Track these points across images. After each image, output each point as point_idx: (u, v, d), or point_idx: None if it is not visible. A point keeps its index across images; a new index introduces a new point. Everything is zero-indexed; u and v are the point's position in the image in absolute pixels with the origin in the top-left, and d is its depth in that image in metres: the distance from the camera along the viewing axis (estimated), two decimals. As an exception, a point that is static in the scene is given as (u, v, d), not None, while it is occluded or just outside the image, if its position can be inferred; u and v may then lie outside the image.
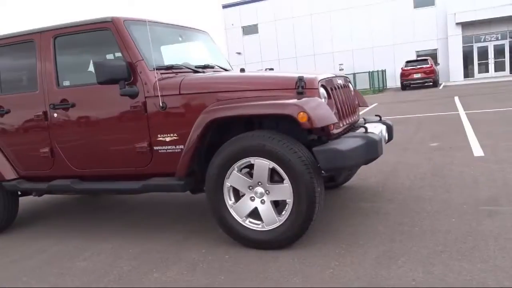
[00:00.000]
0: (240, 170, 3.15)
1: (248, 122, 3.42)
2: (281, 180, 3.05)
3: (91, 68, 3.82)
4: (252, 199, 3.15)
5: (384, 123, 3.97)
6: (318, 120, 2.88)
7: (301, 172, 2.91)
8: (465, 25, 28.45)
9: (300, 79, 3.10)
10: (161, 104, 3.38)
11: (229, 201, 3.21)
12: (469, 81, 26.94)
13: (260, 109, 3.00)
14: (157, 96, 3.38)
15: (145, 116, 3.46)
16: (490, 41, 29.12)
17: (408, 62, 24.75)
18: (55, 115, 3.78)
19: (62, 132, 3.80)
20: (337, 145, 2.94)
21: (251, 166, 3.13)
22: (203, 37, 4.70)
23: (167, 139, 3.43)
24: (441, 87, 23.94)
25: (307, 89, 3.12)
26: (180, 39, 4.29)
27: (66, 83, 3.84)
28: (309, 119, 2.84)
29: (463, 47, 29.01)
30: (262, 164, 3.04)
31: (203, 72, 3.92)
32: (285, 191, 3.02)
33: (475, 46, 29.45)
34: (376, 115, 4.09)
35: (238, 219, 3.19)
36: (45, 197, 5.39)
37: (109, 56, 3.91)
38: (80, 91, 3.71)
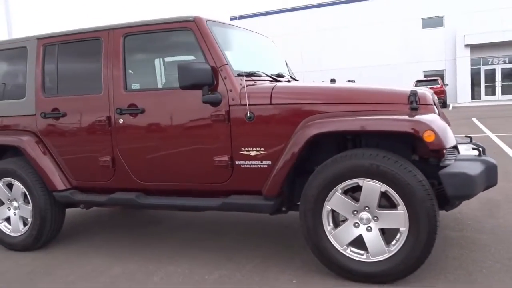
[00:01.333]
0: (343, 192, 2.80)
1: (341, 139, 3.08)
2: (391, 206, 2.71)
3: (165, 70, 3.48)
4: (356, 225, 2.80)
5: (476, 145, 3.64)
6: (445, 140, 2.56)
7: (422, 197, 2.57)
8: (473, 47, 28.50)
9: (414, 93, 2.78)
10: (248, 114, 3.04)
11: (328, 226, 2.85)
12: (477, 103, 26.88)
13: (379, 125, 2.67)
14: (244, 105, 3.05)
15: (228, 127, 3.11)
16: (497, 64, 29.19)
17: (418, 81, 24.64)
18: (121, 121, 3.42)
19: (127, 140, 3.44)
20: (466, 170, 2.60)
21: (355, 189, 2.79)
22: (268, 44, 4.39)
23: (252, 153, 3.08)
24: (450, 107, 23.81)
25: (422, 104, 2.80)
26: (253, 44, 3.97)
27: (136, 86, 3.49)
28: (436, 138, 2.51)
29: (471, 69, 29.02)
30: (373, 187, 2.70)
31: (280, 81, 3.60)
32: (398, 218, 2.67)
33: (483, 69, 29.49)
34: (466, 136, 3.77)
35: (337, 247, 2.83)
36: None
37: (181, 59, 3.57)
38: (152, 95, 3.36)
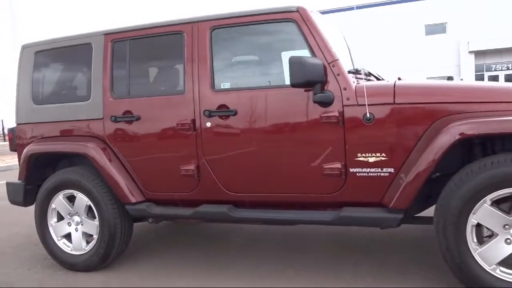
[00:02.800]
0: (493, 204, 2.43)
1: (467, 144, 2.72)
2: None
3: (259, 67, 3.10)
4: (508, 241, 2.42)
5: None
6: None
7: None
8: (477, 54, 28.48)
9: None
10: (367, 115, 2.67)
11: (472, 243, 2.47)
12: (483, 109, 26.77)
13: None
14: (362, 105, 2.68)
15: (341, 130, 2.74)
16: (501, 70, 29.17)
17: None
18: (208, 124, 3.03)
19: (216, 146, 3.05)
20: None
21: (505, 199, 2.42)
22: (343, 37, 4.03)
23: (371, 159, 2.70)
24: (457, 114, 23.63)
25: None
26: (337, 38, 3.60)
27: (225, 85, 3.11)
28: None
29: (475, 75, 28.97)
30: (532, 198, 2.33)
31: (380, 79, 3.25)
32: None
33: (486, 75, 29.44)
34: None
35: (485, 267, 2.45)
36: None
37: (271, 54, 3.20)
38: (245, 96, 2.97)
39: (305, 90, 2.77)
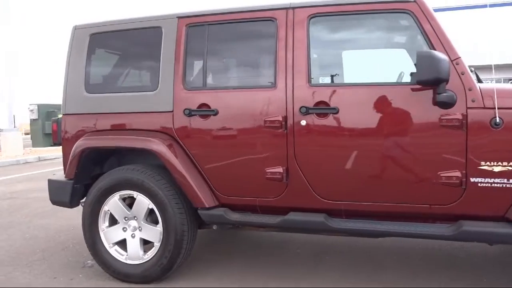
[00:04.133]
0: None
1: None
2: None
3: (364, 61, 2.80)
4: None
5: None
6: None
7: None
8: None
9: None
10: (496, 120, 2.41)
11: None
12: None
13: None
14: (490, 108, 2.41)
15: (463, 134, 2.47)
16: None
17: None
18: (303, 122, 2.71)
19: (311, 148, 2.73)
20: None
21: None
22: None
23: (496, 168, 2.44)
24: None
25: None
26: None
27: (324, 80, 2.79)
28: None
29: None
30: None
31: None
32: None
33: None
34: None
35: None
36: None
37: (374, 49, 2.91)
38: (349, 93, 2.67)
39: (423, 89, 2.48)
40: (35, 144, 16.82)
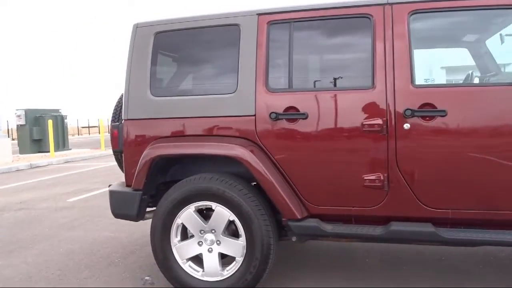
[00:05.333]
0: None
1: None
2: None
3: (471, 60, 2.64)
4: None
5: None
6: None
7: None
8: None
9: None
10: None
11: None
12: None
13: None
14: None
15: None
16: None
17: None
18: (407, 126, 2.53)
19: (415, 153, 2.55)
20: None
21: None
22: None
23: None
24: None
25: None
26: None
27: (429, 80, 2.62)
28: None
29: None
30: None
31: None
32: None
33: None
34: None
35: None
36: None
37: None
38: (458, 93, 2.50)
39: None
40: (22, 150, 16.21)
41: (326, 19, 2.71)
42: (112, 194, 3.08)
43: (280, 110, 2.72)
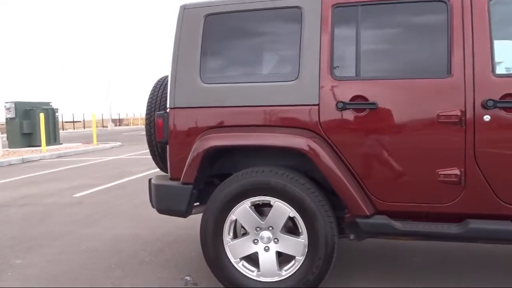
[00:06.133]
0: None
1: None
2: None
3: None
4: None
5: None
6: None
7: None
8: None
9: None
10: None
11: None
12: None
13: None
14: None
15: None
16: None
17: None
18: (487, 118, 2.38)
19: (496, 146, 2.41)
20: None
21: None
22: None
23: None
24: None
25: None
26: None
27: (510, 69, 2.47)
28: None
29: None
30: None
31: None
32: None
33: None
34: None
35: None
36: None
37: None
38: (541, 83, 2.36)
39: None
40: (12, 144, 15.72)
41: (397, 3, 2.53)
42: (158, 188, 2.86)
43: (347, 100, 2.54)
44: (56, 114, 16.62)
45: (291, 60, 2.66)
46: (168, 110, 2.87)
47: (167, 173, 3.52)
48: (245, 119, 2.71)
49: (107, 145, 16.88)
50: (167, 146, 2.89)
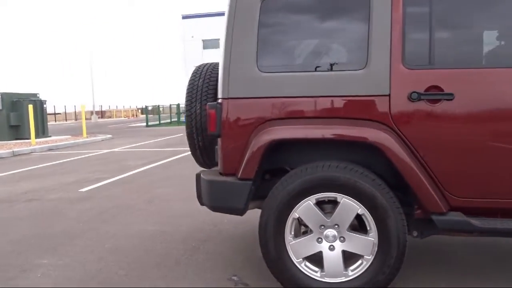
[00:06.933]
0: None
1: None
2: None
3: None
4: None
5: None
6: None
7: None
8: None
9: None
10: None
11: None
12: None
13: None
14: None
15: None
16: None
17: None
18: None
19: None
20: None
21: None
22: None
23: None
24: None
25: None
26: None
27: None
28: None
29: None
30: None
31: None
32: None
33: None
34: None
35: None
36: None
37: None
38: None
39: None
40: (-1, 137, 15.22)
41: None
42: (212, 184, 2.68)
43: (421, 90, 2.39)
44: (44, 106, 16.14)
45: (358, 47, 2.49)
46: (219, 100, 2.68)
47: (206, 168, 3.34)
48: (307, 111, 2.55)
49: (97, 138, 16.50)
50: (219, 140, 2.70)
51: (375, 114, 2.46)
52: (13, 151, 12.25)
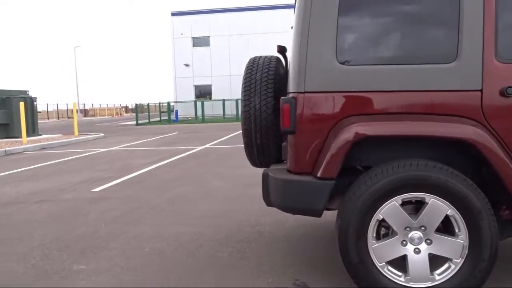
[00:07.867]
0: None
1: None
2: None
3: None
4: None
5: None
6: None
7: None
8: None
9: None
10: None
11: None
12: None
13: None
14: None
15: None
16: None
17: None
18: None
19: None
20: None
21: None
22: None
23: None
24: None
25: None
26: None
27: None
28: None
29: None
30: None
31: None
32: None
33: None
34: None
35: None
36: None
37: None
38: None
39: None
40: (-13, 135, 14.70)
41: None
42: (287, 184, 2.51)
43: (515, 84, 2.28)
44: (35, 103, 15.67)
45: (447, 38, 2.36)
46: (293, 95, 2.51)
47: (259, 167, 3.18)
48: (390, 106, 2.40)
49: (90, 137, 16.11)
50: (291, 136, 2.53)
51: (465, 110, 2.33)
52: (5, 150, 11.83)
